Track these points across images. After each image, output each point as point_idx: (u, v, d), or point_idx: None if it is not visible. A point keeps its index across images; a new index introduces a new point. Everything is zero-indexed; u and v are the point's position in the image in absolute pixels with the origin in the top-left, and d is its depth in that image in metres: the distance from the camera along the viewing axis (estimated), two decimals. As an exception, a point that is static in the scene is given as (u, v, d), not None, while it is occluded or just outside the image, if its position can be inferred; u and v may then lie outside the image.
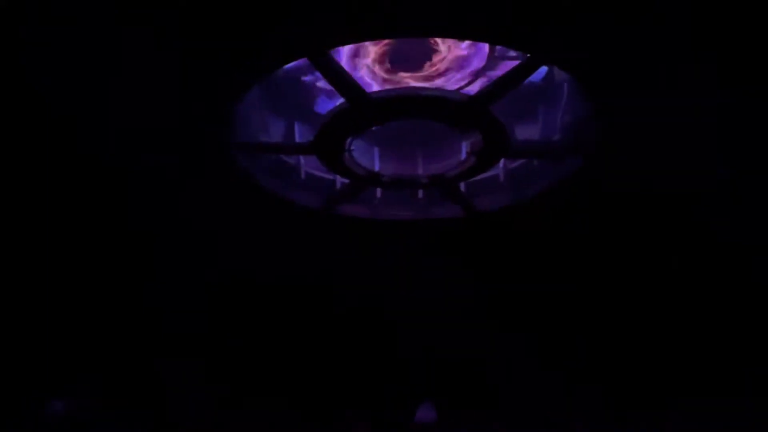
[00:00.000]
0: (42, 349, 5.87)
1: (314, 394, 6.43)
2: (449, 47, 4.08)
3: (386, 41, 4.00)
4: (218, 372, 6.39)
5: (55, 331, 5.84)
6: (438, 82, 4.22)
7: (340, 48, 3.76)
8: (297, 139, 4.65)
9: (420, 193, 5.13)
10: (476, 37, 3.49)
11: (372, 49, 4.12)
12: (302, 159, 4.86)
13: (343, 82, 3.73)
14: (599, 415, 5.82)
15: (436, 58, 4.18)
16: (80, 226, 4.90)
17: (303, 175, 4.96)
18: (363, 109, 3.90)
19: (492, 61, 4.11)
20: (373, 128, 4.43)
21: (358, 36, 3.39)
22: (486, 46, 4.01)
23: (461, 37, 3.61)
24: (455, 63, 4.18)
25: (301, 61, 3.77)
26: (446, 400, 5.62)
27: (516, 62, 3.70)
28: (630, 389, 5.76)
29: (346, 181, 4.78)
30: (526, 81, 3.86)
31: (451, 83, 4.24)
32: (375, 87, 4.11)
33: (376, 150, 4.85)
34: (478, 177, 4.72)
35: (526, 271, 5.65)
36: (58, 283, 5.47)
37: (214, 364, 6.38)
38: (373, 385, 6.25)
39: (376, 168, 4.74)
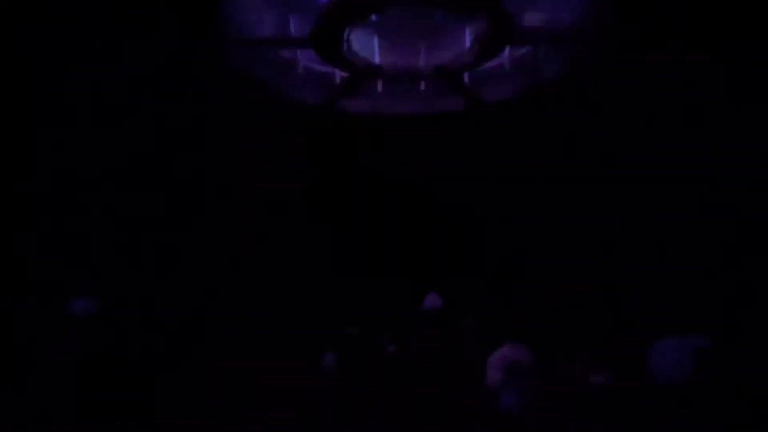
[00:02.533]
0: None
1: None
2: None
3: None
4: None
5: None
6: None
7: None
8: (293, 32, 4.44)
9: (422, 86, 4.98)
10: None
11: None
12: (299, 53, 4.67)
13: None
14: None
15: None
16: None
17: (300, 70, 4.80)
18: (362, -4, 3.68)
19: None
20: (373, 17, 4.21)
21: None
22: None
23: None
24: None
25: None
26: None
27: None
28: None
29: (346, 74, 4.63)
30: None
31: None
32: (373, -29, 3.85)
33: (375, 41, 4.64)
34: (483, 66, 4.56)
35: (533, 161, 5.59)
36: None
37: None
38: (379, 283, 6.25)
39: (377, 60, 4.56)
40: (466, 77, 4.67)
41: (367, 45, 4.51)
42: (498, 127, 5.14)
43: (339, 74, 4.74)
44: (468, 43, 4.30)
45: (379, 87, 4.98)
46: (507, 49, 4.42)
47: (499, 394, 2.91)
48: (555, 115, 4.88)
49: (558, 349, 3.31)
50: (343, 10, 3.82)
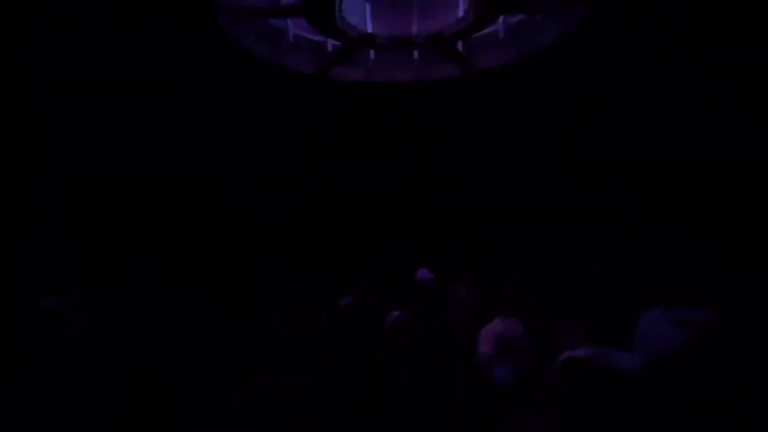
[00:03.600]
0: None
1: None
2: None
3: None
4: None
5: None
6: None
7: None
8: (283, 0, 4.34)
9: (416, 54, 4.91)
10: None
11: None
12: (290, 22, 4.58)
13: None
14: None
15: None
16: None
17: (291, 39, 4.71)
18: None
19: None
20: (365, -15, 4.13)
21: None
22: None
23: None
24: None
25: None
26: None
27: None
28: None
29: (338, 44, 4.56)
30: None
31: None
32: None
33: (368, 8, 4.54)
34: (477, 34, 4.48)
35: (526, 129, 5.58)
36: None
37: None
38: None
39: (369, 29, 4.48)
40: (460, 46, 4.60)
41: (359, 13, 4.43)
42: (492, 94, 5.12)
43: (331, 43, 4.66)
44: (462, 11, 4.22)
45: (372, 56, 4.91)
46: (501, 18, 4.34)
47: (490, 368, 3.00)
48: (549, 83, 4.85)
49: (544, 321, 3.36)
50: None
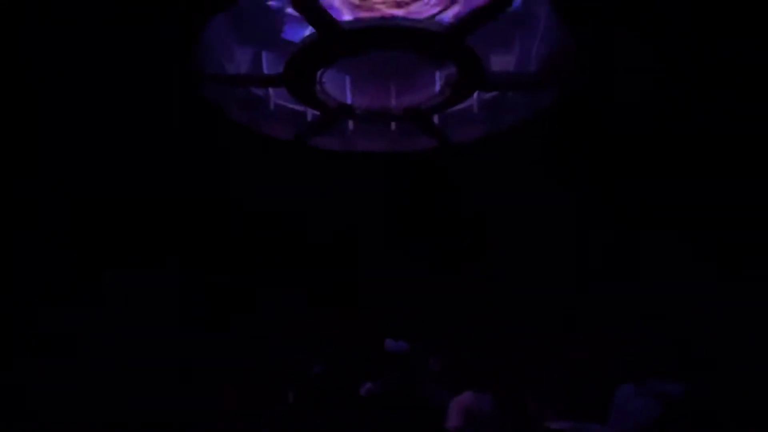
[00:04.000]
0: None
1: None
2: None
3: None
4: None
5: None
6: (411, 9, 4.03)
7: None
8: (265, 69, 4.46)
9: (393, 125, 5.04)
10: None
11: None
12: (271, 91, 4.69)
13: (313, 9, 3.50)
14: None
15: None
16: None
17: (272, 107, 4.82)
18: (334, 40, 3.72)
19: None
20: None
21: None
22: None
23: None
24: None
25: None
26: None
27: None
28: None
29: (318, 113, 4.66)
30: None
31: (424, 10, 4.05)
32: (346, 15, 3.90)
33: (347, 80, 4.70)
34: (453, 109, 4.64)
35: (498, 201, 5.69)
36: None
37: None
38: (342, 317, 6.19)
39: (348, 100, 4.60)
40: (436, 119, 4.75)
41: (339, 84, 4.56)
42: (467, 167, 5.25)
43: (311, 112, 4.77)
44: (438, 87, 4.38)
45: (351, 126, 5.03)
46: (476, 94, 4.52)
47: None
48: (524, 157, 4.99)
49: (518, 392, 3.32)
50: (317, 52, 3.87)
